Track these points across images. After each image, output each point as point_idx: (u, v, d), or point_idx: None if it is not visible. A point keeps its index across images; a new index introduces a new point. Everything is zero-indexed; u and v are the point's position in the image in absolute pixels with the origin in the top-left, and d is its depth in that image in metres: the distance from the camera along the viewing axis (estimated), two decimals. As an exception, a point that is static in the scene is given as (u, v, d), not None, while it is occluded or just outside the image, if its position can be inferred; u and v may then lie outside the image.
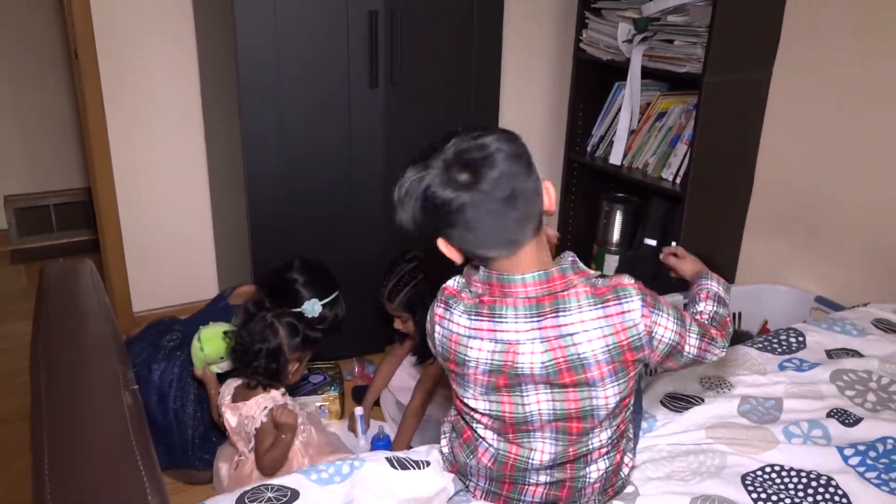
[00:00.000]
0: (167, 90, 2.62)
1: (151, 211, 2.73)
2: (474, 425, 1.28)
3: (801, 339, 1.82)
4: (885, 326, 1.85)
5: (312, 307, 1.96)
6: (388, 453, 1.42)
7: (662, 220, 2.86)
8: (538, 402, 1.19)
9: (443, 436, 1.42)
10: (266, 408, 1.71)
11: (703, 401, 1.60)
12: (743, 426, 1.51)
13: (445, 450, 1.40)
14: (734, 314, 2.58)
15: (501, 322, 1.16)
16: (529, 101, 3.10)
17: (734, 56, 2.39)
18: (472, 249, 1.15)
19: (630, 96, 2.65)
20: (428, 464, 1.39)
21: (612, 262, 3.01)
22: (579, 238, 3.11)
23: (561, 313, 1.15)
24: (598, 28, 2.75)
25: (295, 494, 1.28)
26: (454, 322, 1.20)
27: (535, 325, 1.15)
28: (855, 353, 1.74)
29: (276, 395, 1.76)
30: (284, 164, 2.32)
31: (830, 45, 2.34)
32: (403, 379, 2.33)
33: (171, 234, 2.79)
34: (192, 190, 2.77)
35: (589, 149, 2.97)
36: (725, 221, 2.69)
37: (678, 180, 2.60)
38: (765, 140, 2.59)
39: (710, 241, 2.67)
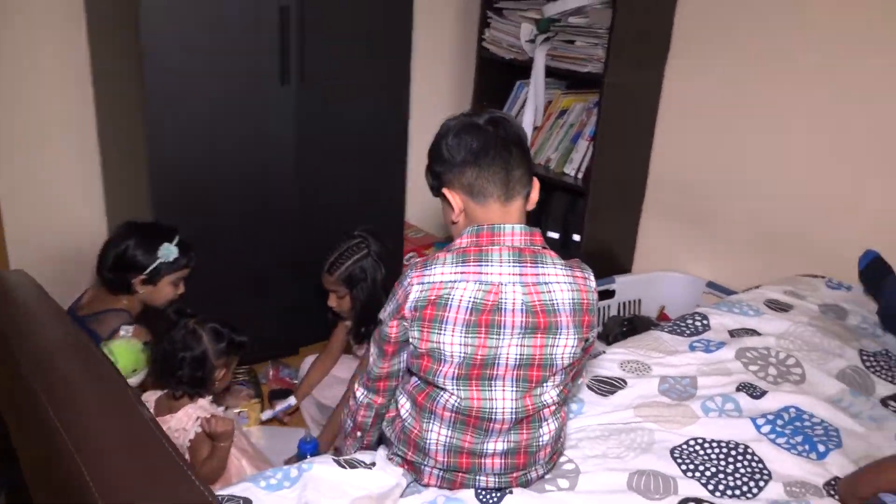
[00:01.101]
0: (56, 100, 2.42)
1: (40, 225, 2.50)
2: (439, 379, 1.32)
3: (705, 321, 1.96)
4: (776, 306, 2.03)
5: (167, 251, 1.94)
6: (333, 456, 1.42)
7: (564, 213, 2.98)
8: (509, 345, 1.30)
9: (387, 426, 1.44)
10: (198, 418, 1.66)
11: (626, 383, 1.69)
12: (665, 404, 1.62)
13: (395, 429, 1.42)
14: (635, 300, 2.74)
15: (488, 265, 1.30)
16: (436, 98, 3.13)
17: (632, 57, 2.53)
18: (477, 190, 1.32)
19: (534, 94, 2.74)
20: (374, 464, 1.41)
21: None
22: (485, 232, 3.19)
23: (539, 265, 1.32)
24: (500, 28, 2.82)
25: (247, 503, 1.26)
26: (437, 273, 1.31)
27: (517, 270, 1.30)
28: (753, 332, 1.90)
29: (204, 404, 1.71)
30: (191, 164, 2.24)
31: (715, 49, 2.52)
32: (325, 379, 2.32)
33: (60, 252, 2.56)
34: (83, 198, 2.57)
35: (493, 145, 3.04)
36: (623, 213, 2.85)
37: (580, 175, 2.72)
38: (658, 137, 2.76)
39: (610, 233, 2.82)
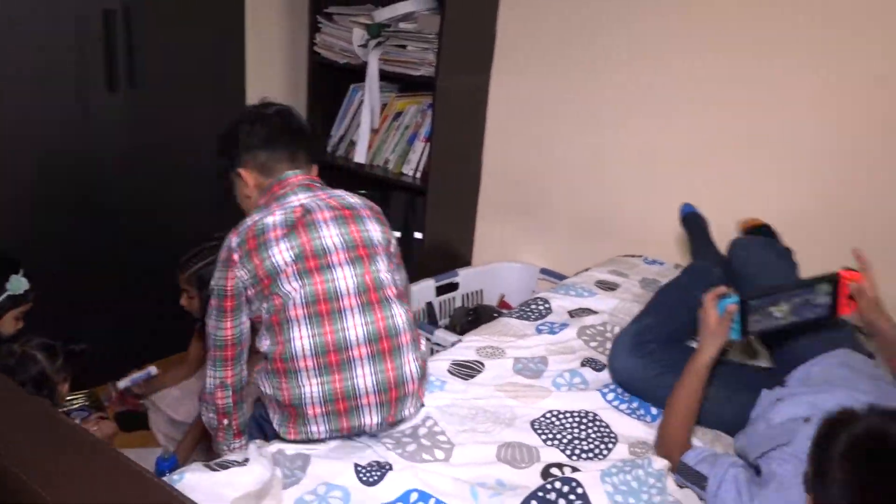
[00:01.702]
0: None
1: None
2: (291, 330, 1.45)
3: (547, 305, 2.13)
4: (604, 286, 2.25)
5: (17, 283, 1.84)
6: (202, 462, 1.40)
7: (404, 212, 3.08)
8: (330, 235, 1.52)
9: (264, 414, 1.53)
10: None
11: (483, 366, 1.81)
12: (521, 383, 1.76)
13: (273, 411, 1.52)
14: (477, 291, 2.90)
15: (285, 199, 1.55)
16: (268, 103, 3.09)
17: (461, 61, 2.68)
18: (268, 169, 1.61)
19: (370, 98, 2.80)
20: (247, 460, 1.41)
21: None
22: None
23: (327, 189, 1.62)
24: (331, 32, 2.86)
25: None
26: (248, 221, 1.53)
27: (311, 194, 1.57)
28: (590, 311, 2.10)
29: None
30: (12, 174, 2.07)
31: (535, 52, 2.73)
32: (172, 394, 2.24)
33: None
34: None
35: (330, 149, 3.07)
36: (461, 209, 3.00)
37: (418, 174, 2.83)
38: (488, 136, 2.93)
39: (449, 228, 2.96)
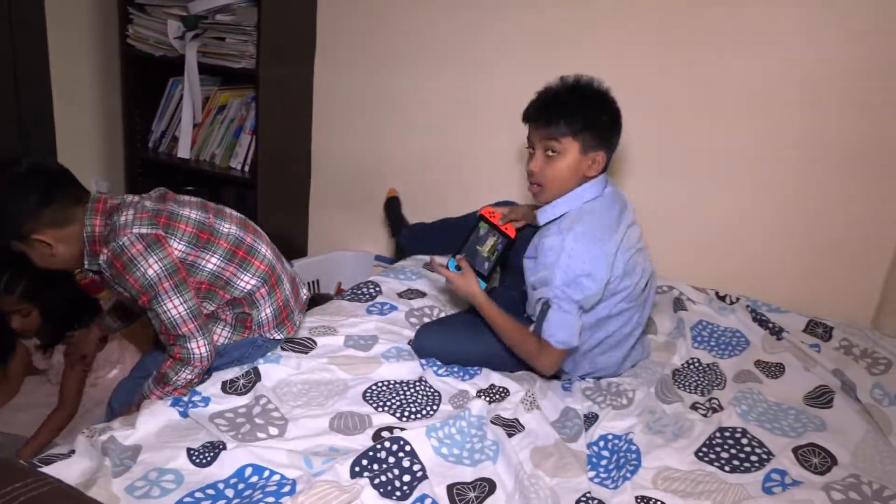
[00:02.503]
0: None
1: None
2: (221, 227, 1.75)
3: (377, 288, 2.22)
4: (430, 268, 2.37)
5: None
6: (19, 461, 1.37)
7: (235, 206, 3.04)
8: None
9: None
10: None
11: (315, 343, 1.88)
12: (354, 356, 1.83)
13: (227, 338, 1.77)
14: (314, 281, 2.93)
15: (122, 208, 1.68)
16: (81, 101, 2.96)
17: (282, 53, 2.69)
18: (58, 216, 1.61)
19: (190, 91, 2.75)
20: (73, 452, 1.40)
21: (191, 253, 3.09)
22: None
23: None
24: (144, 24, 2.77)
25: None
26: (131, 214, 1.64)
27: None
28: (418, 292, 2.21)
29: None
30: None
31: (357, 41, 2.80)
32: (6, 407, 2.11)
33: None
34: None
35: (151, 144, 2.98)
36: (293, 200, 3.02)
37: (247, 168, 2.82)
38: (315, 127, 2.97)
39: (282, 220, 2.97)
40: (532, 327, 1.79)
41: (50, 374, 2.05)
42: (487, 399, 1.72)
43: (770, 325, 2.11)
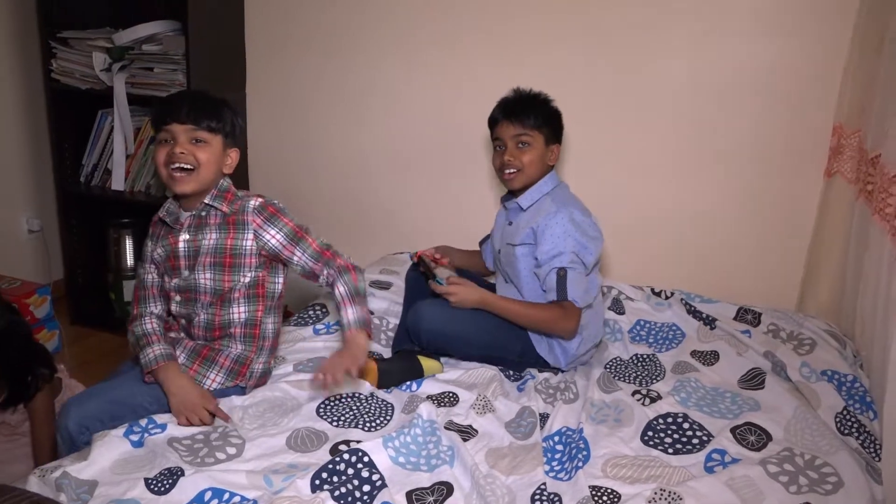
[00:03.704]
0: None
1: None
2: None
3: (324, 309, 2.24)
4: (378, 286, 2.40)
5: None
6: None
7: (173, 236, 3.02)
8: None
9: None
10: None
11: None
12: (304, 378, 1.85)
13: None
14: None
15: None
16: (6, 138, 2.89)
17: (213, 80, 2.70)
18: None
19: (120, 123, 2.73)
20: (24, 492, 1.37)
21: (130, 286, 3.04)
22: (90, 270, 3.05)
23: None
24: (68, 57, 2.75)
25: None
26: None
27: None
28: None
29: None
30: None
31: (287, 66, 2.84)
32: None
33: None
34: None
35: (83, 179, 2.94)
36: (232, 227, 3.00)
37: (183, 196, 2.80)
38: (251, 150, 2.97)
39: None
40: (552, 296, 1.92)
41: (17, 429, 1.99)
42: (436, 403, 1.76)
43: (703, 316, 2.22)
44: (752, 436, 1.69)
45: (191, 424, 1.64)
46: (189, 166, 1.73)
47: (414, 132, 2.74)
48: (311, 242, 1.82)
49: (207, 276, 1.76)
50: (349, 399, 1.79)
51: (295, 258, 1.80)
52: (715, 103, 2.35)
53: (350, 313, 1.76)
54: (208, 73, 2.66)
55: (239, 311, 1.79)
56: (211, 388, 1.75)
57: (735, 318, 2.22)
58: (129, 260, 3.02)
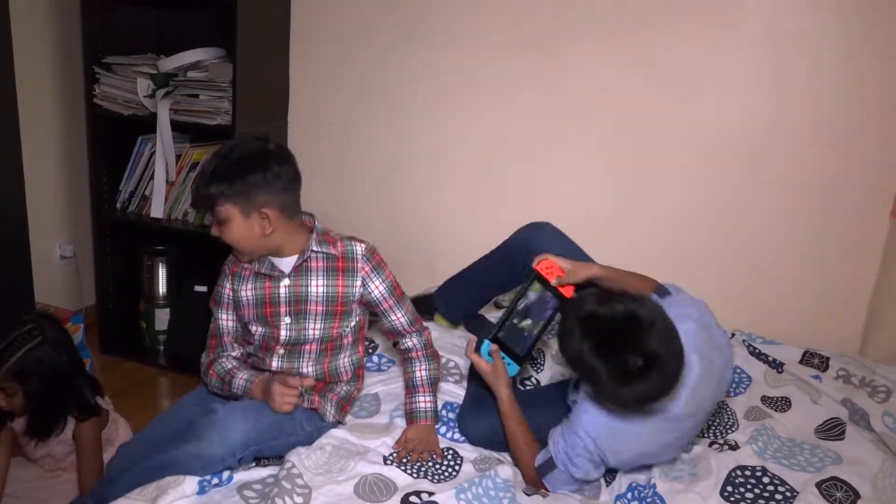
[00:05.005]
0: None
1: None
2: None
3: (373, 343, 2.16)
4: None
5: None
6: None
7: (209, 264, 2.94)
8: None
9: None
10: None
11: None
12: (360, 423, 1.78)
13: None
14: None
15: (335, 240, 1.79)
16: (44, 164, 2.84)
17: (258, 108, 2.66)
18: (290, 207, 1.68)
19: (163, 150, 2.68)
20: None
21: (162, 315, 2.98)
22: (123, 297, 2.98)
23: None
24: (112, 83, 2.70)
25: None
26: None
27: None
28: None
29: None
30: None
31: (327, 96, 2.79)
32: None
33: None
34: None
35: (119, 205, 2.88)
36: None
37: (223, 225, 2.74)
38: (291, 180, 2.92)
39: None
40: (538, 458, 1.63)
41: (42, 461, 1.92)
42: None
43: (769, 359, 2.14)
44: (839, 492, 1.61)
45: (293, 405, 1.63)
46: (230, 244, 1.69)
47: (459, 154, 2.69)
48: (408, 306, 1.78)
49: (317, 325, 1.70)
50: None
51: (392, 316, 1.77)
52: (777, 145, 2.29)
53: (428, 401, 1.75)
54: (253, 101, 2.62)
55: (348, 357, 1.77)
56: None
57: (801, 362, 2.15)
58: (162, 288, 2.96)
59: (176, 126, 2.68)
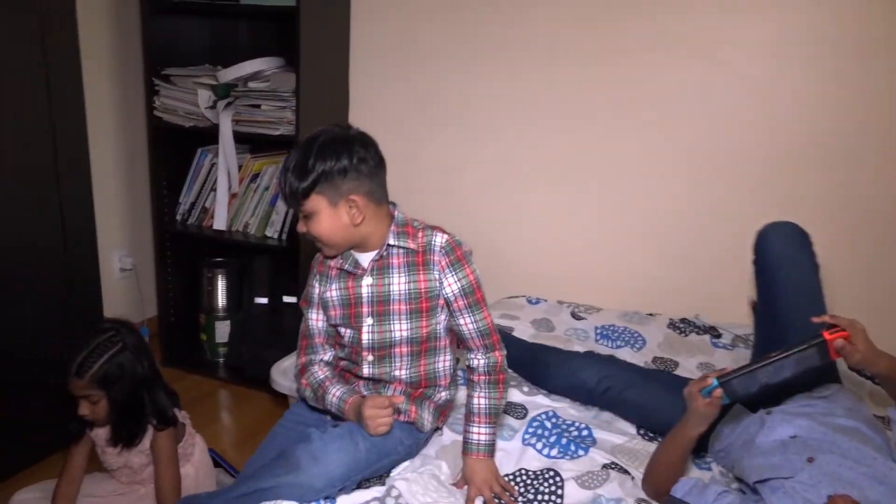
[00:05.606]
0: None
1: None
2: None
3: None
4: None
5: None
6: None
7: (269, 276, 2.93)
8: None
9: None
10: None
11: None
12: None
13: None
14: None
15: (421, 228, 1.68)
16: (104, 173, 2.82)
17: (320, 117, 2.61)
18: (376, 193, 1.60)
19: (225, 161, 2.65)
20: None
21: (222, 328, 2.95)
22: (183, 310, 2.96)
23: None
24: (171, 95, 2.68)
25: None
26: None
27: None
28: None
29: None
30: None
31: (386, 102, 2.75)
32: None
33: None
34: None
35: (179, 216, 2.86)
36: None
37: (284, 236, 2.71)
38: (351, 189, 2.88)
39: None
40: (686, 483, 1.50)
41: (119, 473, 1.88)
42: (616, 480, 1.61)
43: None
44: None
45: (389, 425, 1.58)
46: (318, 242, 1.61)
47: (520, 160, 2.64)
48: (486, 315, 1.62)
49: (404, 326, 1.60)
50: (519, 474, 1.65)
51: (460, 319, 1.61)
52: (843, 155, 2.22)
53: (482, 433, 1.60)
54: (316, 111, 2.57)
55: (445, 360, 1.68)
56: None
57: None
58: (222, 300, 2.94)
59: (236, 137, 2.64)
